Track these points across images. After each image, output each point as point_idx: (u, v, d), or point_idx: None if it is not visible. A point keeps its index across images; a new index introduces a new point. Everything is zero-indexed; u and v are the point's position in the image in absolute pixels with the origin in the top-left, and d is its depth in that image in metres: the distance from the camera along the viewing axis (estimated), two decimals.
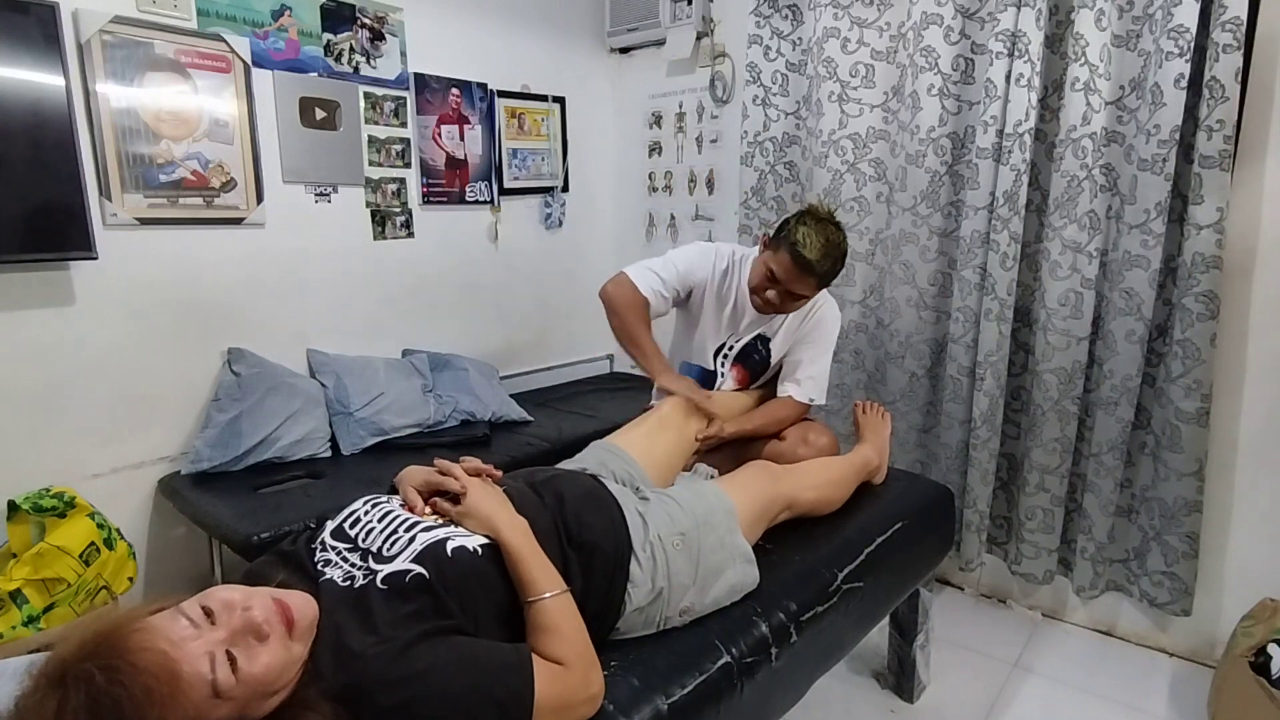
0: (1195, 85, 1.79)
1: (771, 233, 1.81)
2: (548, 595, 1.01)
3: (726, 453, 1.84)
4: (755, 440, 1.90)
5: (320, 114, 2.37)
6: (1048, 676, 2.05)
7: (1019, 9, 1.99)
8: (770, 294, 1.76)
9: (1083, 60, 1.94)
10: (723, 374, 1.99)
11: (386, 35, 2.51)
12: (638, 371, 2.28)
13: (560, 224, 3.17)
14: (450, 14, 2.69)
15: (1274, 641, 1.69)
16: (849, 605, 1.45)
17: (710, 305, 1.93)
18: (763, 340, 1.94)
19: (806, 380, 1.87)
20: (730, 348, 1.97)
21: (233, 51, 2.15)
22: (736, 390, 1.99)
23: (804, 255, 1.66)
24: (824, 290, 1.86)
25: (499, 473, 1.27)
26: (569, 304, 3.28)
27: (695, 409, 1.72)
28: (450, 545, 1.02)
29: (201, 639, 0.79)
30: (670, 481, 1.57)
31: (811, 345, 1.88)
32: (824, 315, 1.91)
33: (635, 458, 1.51)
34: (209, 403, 2.17)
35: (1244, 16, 1.70)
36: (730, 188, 2.87)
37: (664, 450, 1.61)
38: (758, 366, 1.96)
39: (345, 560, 1.01)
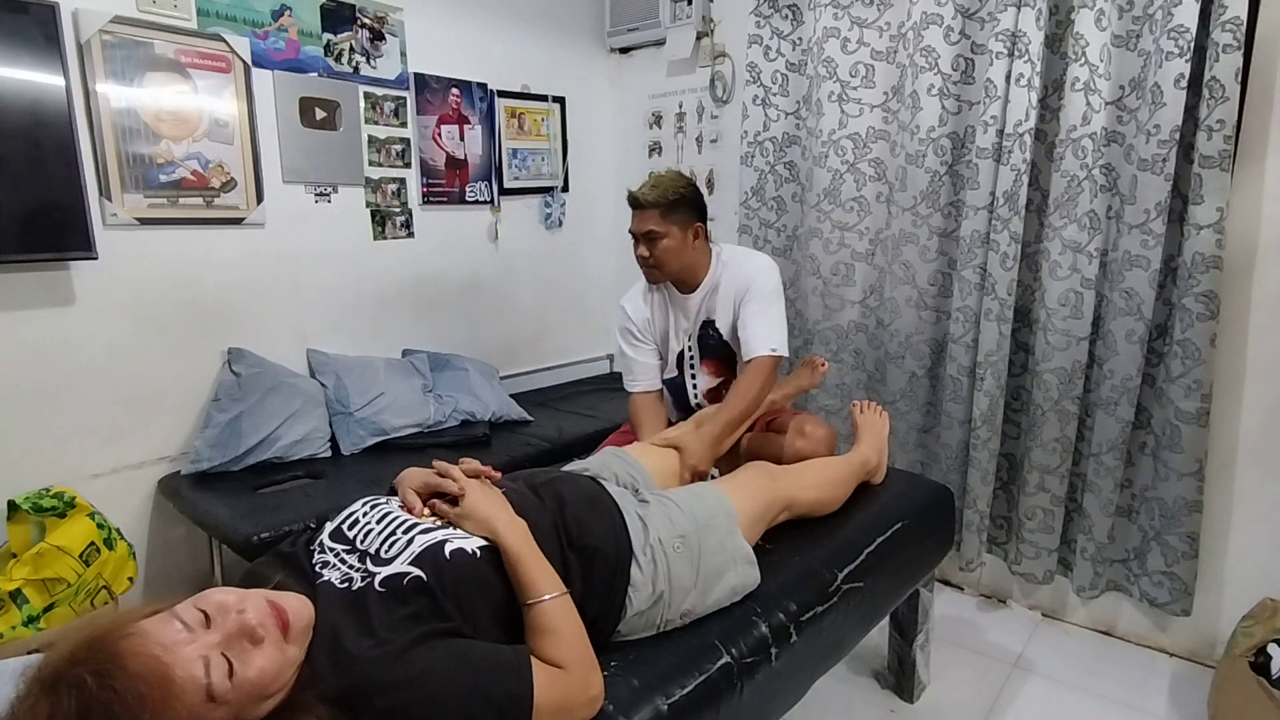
0: (1195, 85, 1.79)
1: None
2: (547, 597, 1.01)
3: (727, 451, 1.84)
4: (753, 429, 1.92)
5: (320, 114, 2.37)
6: (1048, 676, 2.05)
7: (1019, 9, 1.98)
8: (639, 249, 1.90)
9: (1083, 60, 1.94)
10: (694, 374, 2.03)
11: (386, 35, 2.51)
12: None
13: (560, 224, 3.17)
14: (450, 14, 2.69)
15: (1274, 641, 1.68)
16: (849, 605, 1.45)
17: (660, 327, 2.03)
18: (709, 325, 1.97)
19: (758, 335, 1.85)
20: (690, 348, 2.01)
21: (233, 51, 2.14)
22: (713, 382, 2.02)
23: (630, 192, 1.89)
24: (750, 253, 2.00)
25: (498, 474, 1.26)
26: (569, 304, 3.29)
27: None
28: (449, 547, 1.02)
29: (195, 643, 0.79)
30: None
31: (750, 303, 1.89)
32: (751, 274, 1.91)
33: (644, 465, 1.51)
34: (209, 403, 2.17)
35: (1244, 16, 1.70)
36: (730, 188, 2.87)
37: (673, 463, 1.62)
38: (720, 349, 1.99)
39: (343, 562, 1.01)
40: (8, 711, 0.72)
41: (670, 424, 2.00)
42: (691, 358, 2.02)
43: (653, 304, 2.02)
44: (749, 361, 1.85)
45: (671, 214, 1.85)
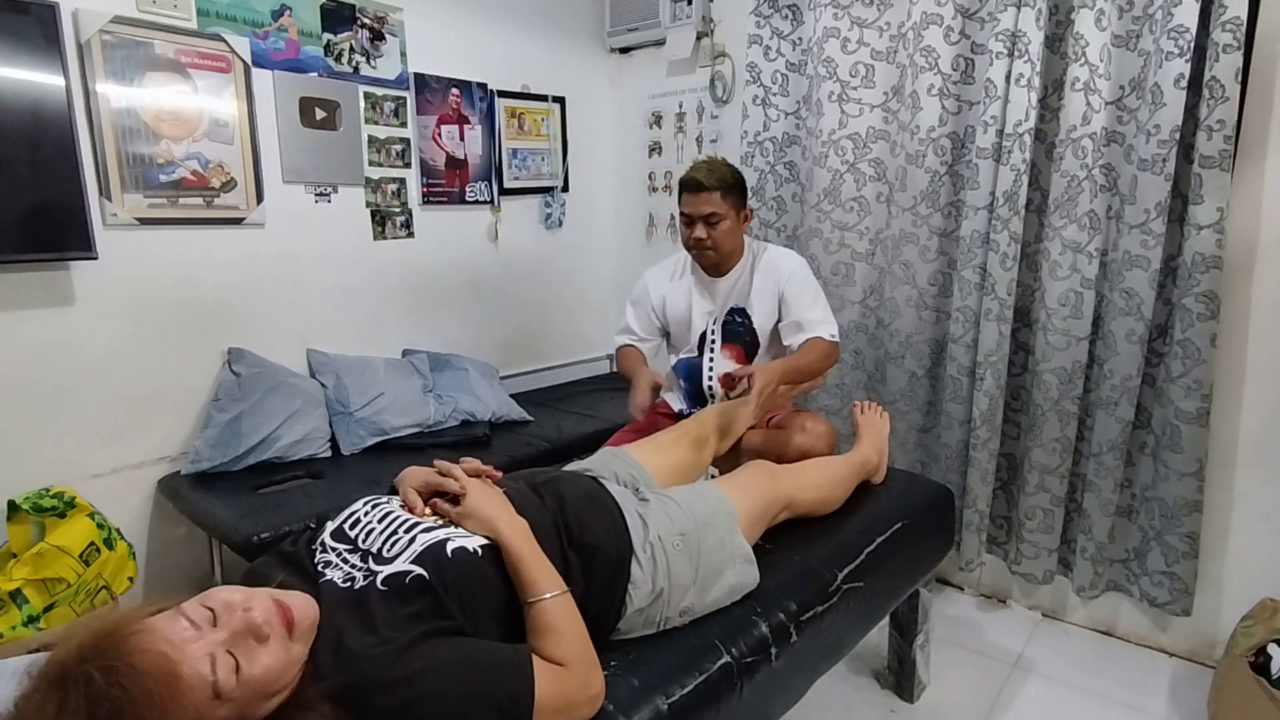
0: (1195, 85, 1.79)
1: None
2: (548, 596, 1.01)
3: (727, 450, 1.84)
4: (754, 427, 1.92)
5: (320, 114, 2.37)
6: (1048, 676, 2.05)
7: (1019, 9, 1.99)
8: (695, 232, 1.90)
9: (1083, 60, 1.94)
10: (712, 356, 2.03)
11: (386, 35, 2.51)
12: None
13: (560, 224, 3.17)
14: (450, 14, 2.69)
15: (1274, 641, 1.68)
16: (849, 605, 1.45)
17: (679, 306, 2.04)
18: (739, 312, 1.99)
19: (820, 322, 1.92)
20: (712, 330, 2.03)
21: (233, 51, 2.15)
22: (731, 367, 2.01)
23: (689, 175, 1.89)
24: (781, 249, 2.03)
25: (499, 474, 1.27)
26: (569, 304, 3.29)
27: (710, 432, 1.74)
28: (450, 546, 1.02)
29: (202, 640, 0.79)
30: None
31: (800, 293, 1.94)
32: (791, 268, 1.96)
33: (643, 464, 1.51)
34: (209, 403, 2.17)
35: (1244, 16, 1.70)
36: None
37: (674, 464, 1.61)
38: (744, 336, 2.00)
39: (345, 561, 1.01)
40: (13, 708, 0.72)
41: (679, 416, 2.03)
42: (712, 340, 2.03)
43: (678, 286, 2.05)
44: (810, 339, 1.88)
45: (728, 196, 1.89)
